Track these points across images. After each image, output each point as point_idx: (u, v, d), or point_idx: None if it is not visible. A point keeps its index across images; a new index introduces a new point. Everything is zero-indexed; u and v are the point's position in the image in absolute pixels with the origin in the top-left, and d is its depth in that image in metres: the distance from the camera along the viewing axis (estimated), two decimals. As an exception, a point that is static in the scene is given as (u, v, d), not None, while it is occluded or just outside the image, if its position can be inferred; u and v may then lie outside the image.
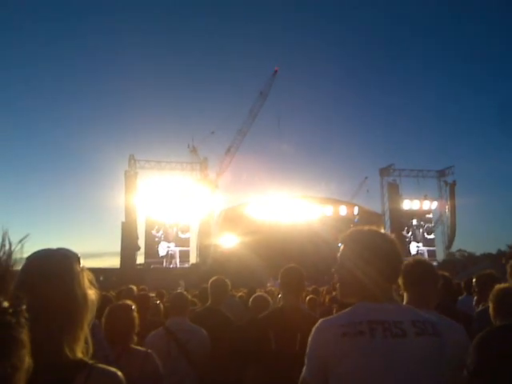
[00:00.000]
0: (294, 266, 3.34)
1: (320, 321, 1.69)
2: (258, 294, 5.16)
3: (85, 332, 1.27)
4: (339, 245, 1.83)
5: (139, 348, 2.89)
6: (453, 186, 44.13)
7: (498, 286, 2.81)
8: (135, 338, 2.94)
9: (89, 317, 1.28)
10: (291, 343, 2.77)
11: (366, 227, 1.82)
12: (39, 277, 1.23)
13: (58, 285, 1.23)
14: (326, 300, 7.87)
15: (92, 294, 1.31)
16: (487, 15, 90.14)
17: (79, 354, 1.23)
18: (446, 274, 4.16)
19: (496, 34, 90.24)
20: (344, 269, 1.76)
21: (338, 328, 1.60)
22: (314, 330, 1.67)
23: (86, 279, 1.31)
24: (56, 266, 1.26)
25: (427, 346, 1.59)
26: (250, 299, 4.73)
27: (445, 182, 45.09)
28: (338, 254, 1.81)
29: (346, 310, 1.70)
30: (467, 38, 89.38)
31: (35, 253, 1.30)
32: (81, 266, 1.32)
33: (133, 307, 3.06)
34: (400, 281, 2.36)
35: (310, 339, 1.67)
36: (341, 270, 1.77)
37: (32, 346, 1.16)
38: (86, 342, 1.27)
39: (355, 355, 1.55)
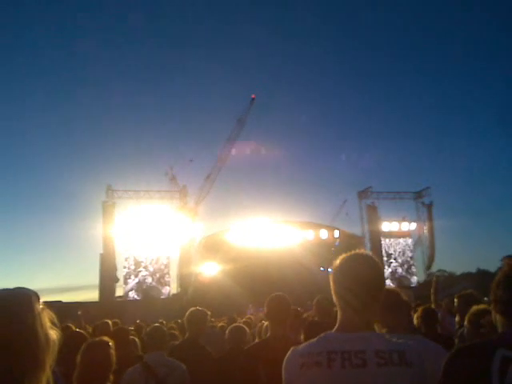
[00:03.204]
0: (280, 294, 3.24)
1: (290, 350, 1.67)
2: (234, 324, 5.07)
3: (47, 375, 1.22)
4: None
5: (115, 387, 2.80)
6: (430, 206, 44.74)
7: (474, 308, 2.84)
8: (111, 377, 2.85)
9: (51, 358, 1.23)
10: (279, 374, 2.72)
11: (353, 252, 1.75)
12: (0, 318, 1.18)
13: (19, 326, 1.18)
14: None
15: (53, 334, 1.26)
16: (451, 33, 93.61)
17: None
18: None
19: (471, 52, 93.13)
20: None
21: (298, 359, 1.58)
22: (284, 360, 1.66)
23: (47, 319, 1.26)
24: (16, 306, 1.21)
25: (391, 378, 1.50)
26: (227, 330, 4.62)
27: (422, 203, 45.73)
28: None
29: (313, 339, 1.66)
30: (439, 58, 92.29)
31: None
32: (40, 305, 1.27)
33: (109, 343, 2.98)
34: None
35: None
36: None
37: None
38: None
39: None
